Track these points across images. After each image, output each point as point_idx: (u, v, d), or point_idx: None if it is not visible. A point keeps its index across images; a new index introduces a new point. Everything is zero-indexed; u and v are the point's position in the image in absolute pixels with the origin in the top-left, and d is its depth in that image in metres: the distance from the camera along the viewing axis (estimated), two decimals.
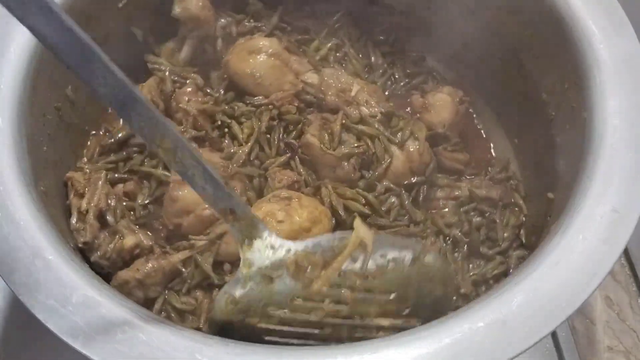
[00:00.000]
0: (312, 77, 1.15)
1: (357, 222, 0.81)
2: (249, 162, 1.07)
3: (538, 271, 0.76)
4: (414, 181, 1.07)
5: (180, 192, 0.99)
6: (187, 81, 1.16)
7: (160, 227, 1.05)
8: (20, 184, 0.85)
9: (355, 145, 1.06)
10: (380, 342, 0.73)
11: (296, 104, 1.13)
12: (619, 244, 0.77)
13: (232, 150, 1.08)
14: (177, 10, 1.14)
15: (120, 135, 1.11)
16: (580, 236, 0.78)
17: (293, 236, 0.90)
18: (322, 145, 1.05)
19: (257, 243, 0.80)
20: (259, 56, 1.13)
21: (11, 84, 0.91)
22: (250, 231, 0.79)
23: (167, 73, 1.17)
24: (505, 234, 1.06)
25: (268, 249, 0.80)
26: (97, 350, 0.72)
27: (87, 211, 0.97)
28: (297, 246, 0.80)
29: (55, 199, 0.96)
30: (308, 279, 0.80)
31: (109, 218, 0.99)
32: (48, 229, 0.83)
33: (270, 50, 1.13)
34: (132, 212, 1.06)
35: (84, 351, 0.72)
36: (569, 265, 0.76)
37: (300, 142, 1.08)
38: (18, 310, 1.15)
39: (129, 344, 0.73)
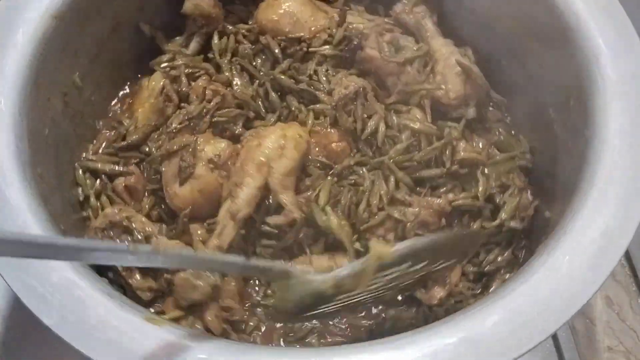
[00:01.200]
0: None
1: (372, 243, 0.84)
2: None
3: (517, 291, 0.75)
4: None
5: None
6: (200, 71, 1.17)
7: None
8: (16, 164, 0.86)
9: (416, 48, 1.10)
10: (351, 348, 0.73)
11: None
12: (604, 271, 0.75)
13: None
14: (188, 6, 1.15)
15: (134, 137, 1.11)
16: (566, 258, 0.76)
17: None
18: (382, 55, 1.08)
19: (292, 281, 0.82)
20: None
21: (16, 66, 0.93)
22: (285, 277, 0.83)
23: (181, 64, 1.17)
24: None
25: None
26: (69, 332, 0.73)
27: None
28: (327, 277, 0.82)
29: (52, 182, 0.97)
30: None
31: None
32: (38, 210, 0.85)
33: None
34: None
35: (57, 331, 0.74)
36: (549, 288, 0.74)
37: (359, 57, 1.11)
38: (18, 310, 1.15)
39: (101, 329, 0.74)
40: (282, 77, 1.12)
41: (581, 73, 0.93)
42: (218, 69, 1.18)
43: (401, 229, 0.97)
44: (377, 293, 0.86)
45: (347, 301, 0.84)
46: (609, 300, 1.21)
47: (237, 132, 1.10)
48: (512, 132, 1.15)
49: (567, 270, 0.76)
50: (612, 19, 0.94)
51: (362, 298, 0.85)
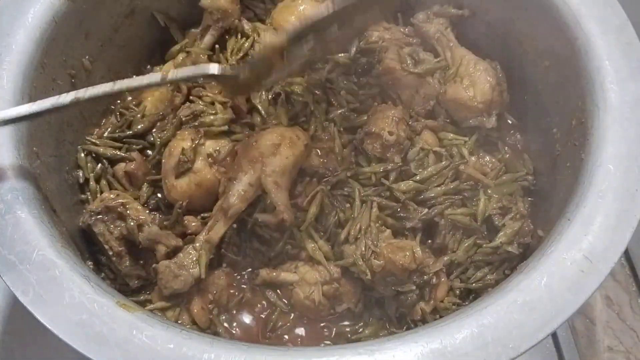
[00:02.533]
0: None
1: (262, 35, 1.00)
2: None
3: (490, 308, 0.73)
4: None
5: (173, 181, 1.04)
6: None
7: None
8: (11, 140, 0.88)
9: (436, 60, 1.11)
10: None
11: None
12: (583, 294, 0.74)
13: None
14: (206, 0, 1.16)
15: (140, 126, 1.13)
16: (543, 280, 0.75)
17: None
18: (403, 66, 1.08)
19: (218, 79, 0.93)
20: (304, 2, 1.16)
21: (23, 45, 0.95)
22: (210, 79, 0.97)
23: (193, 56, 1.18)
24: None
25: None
26: (42, 310, 0.74)
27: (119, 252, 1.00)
28: (237, 70, 0.94)
29: (50, 161, 0.98)
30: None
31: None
32: (28, 188, 0.86)
33: None
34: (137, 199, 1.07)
35: (30, 308, 0.75)
36: (523, 308, 0.73)
37: (378, 69, 1.11)
38: (18, 310, 1.13)
39: (73, 310, 0.75)
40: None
41: (585, 94, 0.91)
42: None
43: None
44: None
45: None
46: (609, 300, 1.21)
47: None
48: (519, 148, 1.13)
49: (543, 291, 0.74)
50: (622, 42, 0.92)
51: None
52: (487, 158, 1.09)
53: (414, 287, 0.95)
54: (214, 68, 0.91)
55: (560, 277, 0.75)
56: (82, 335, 0.73)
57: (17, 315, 1.16)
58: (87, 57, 1.08)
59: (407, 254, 0.94)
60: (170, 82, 0.93)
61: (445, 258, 1.00)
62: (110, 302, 0.76)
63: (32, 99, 0.93)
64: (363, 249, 0.96)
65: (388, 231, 0.98)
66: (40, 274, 0.77)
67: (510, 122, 1.14)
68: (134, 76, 1.19)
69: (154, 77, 0.91)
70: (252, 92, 1.08)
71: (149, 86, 0.94)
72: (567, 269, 0.75)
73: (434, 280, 0.98)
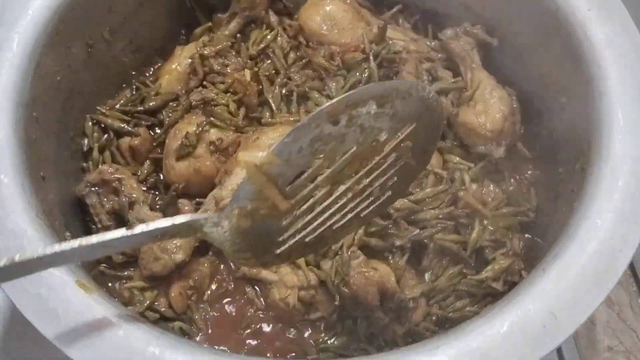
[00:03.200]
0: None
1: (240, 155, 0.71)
2: None
3: (476, 331, 0.73)
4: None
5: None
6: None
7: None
8: (9, 103, 0.89)
9: (453, 80, 1.08)
10: None
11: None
12: (542, 350, 0.71)
13: None
14: None
15: (152, 103, 1.13)
16: (503, 328, 0.72)
17: None
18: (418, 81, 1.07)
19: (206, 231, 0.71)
20: (331, 3, 1.15)
21: (40, 10, 0.95)
22: (192, 231, 0.72)
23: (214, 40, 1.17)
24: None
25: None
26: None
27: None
28: (222, 215, 0.70)
29: (52, 127, 0.99)
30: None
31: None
32: (16, 152, 0.87)
33: None
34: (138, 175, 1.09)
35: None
36: (514, 330, 0.72)
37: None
38: (18, 309, 1.17)
39: (33, 283, 0.76)
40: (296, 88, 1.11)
41: (591, 140, 0.88)
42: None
43: None
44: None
45: (312, 223, 0.73)
46: (609, 300, 1.19)
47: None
48: (527, 182, 1.11)
49: (534, 315, 0.73)
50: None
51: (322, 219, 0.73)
52: (491, 187, 1.06)
53: (383, 316, 0.94)
54: (186, 217, 0.70)
55: (521, 329, 0.72)
56: (37, 308, 0.75)
57: (17, 315, 1.16)
58: (107, 28, 1.09)
59: (374, 290, 0.92)
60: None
61: (426, 285, 0.98)
62: (71, 279, 0.76)
63: (40, 62, 0.94)
64: (333, 274, 0.95)
65: (362, 257, 0.95)
66: (9, 242, 0.78)
67: (523, 154, 1.11)
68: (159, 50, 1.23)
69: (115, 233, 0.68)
70: (268, 263, 0.80)
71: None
72: (529, 321, 0.72)
73: (411, 304, 0.96)
